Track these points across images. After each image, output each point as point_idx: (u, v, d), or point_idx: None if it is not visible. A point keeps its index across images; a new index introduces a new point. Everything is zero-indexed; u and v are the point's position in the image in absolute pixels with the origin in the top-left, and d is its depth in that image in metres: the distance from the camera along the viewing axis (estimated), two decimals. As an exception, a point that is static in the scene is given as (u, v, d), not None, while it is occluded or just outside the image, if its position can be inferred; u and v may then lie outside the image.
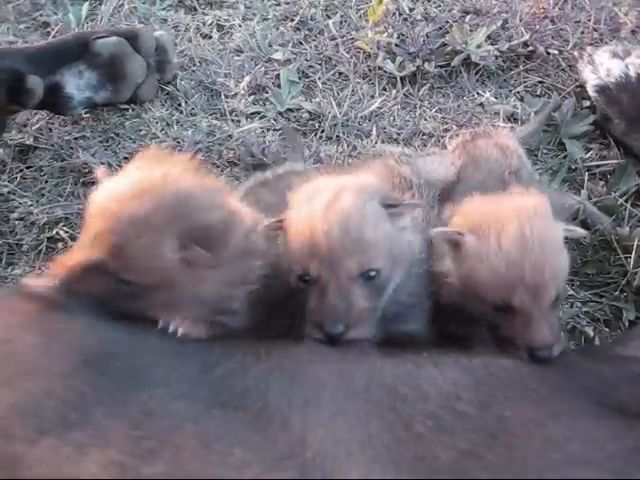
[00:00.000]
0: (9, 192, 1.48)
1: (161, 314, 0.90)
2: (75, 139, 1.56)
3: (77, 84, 1.54)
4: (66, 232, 1.40)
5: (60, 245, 1.39)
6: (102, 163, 1.48)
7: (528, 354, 0.92)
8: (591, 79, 1.55)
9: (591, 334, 1.28)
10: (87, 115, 1.59)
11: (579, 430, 0.80)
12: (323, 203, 0.92)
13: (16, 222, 1.43)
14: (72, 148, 1.54)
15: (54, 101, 1.51)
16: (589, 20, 1.74)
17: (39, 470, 0.71)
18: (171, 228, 0.85)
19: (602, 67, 1.54)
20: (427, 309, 1.04)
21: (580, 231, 1.02)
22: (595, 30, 1.73)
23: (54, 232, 1.41)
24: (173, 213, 0.86)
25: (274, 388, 0.83)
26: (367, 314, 0.92)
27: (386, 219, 0.94)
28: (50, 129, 1.57)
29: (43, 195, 1.48)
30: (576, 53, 1.64)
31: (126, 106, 1.61)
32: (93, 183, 1.45)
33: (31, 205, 1.46)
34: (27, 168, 1.52)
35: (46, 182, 1.50)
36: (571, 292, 1.33)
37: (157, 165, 0.91)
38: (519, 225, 0.93)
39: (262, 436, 0.77)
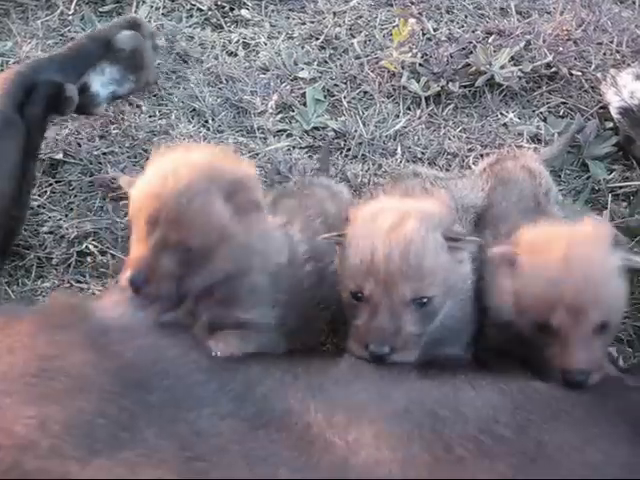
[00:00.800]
0: (39, 206, 1.50)
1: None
2: (104, 154, 1.58)
3: (101, 81, 1.57)
4: (95, 246, 1.42)
5: (89, 259, 1.41)
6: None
7: (562, 377, 0.93)
8: (614, 101, 1.57)
9: (615, 354, 1.29)
10: (116, 131, 1.62)
11: (616, 455, 0.81)
12: (387, 225, 0.94)
13: (46, 236, 1.45)
14: (101, 163, 1.56)
15: (82, 102, 1.53)
16: (611, 42, 1.76)
17: None
18: (213, 186, 0.92)
19: (625, 89, 1.56)
20: (470, 334, 1.06)
21: (638, 259, 1.01)
22: (617, 52, 1.74)
23: (83, 246, 1.42)
24: (209, 175, 0.93)
25: (315, 409, 0.84)
26: (414, 339, 0.94)
27: (445, 250, 0.96)
28: (79, 144, 1.60)
29: (72, 209, 1.50)
30: (599, 75, 1.66)
31: (155, 122, 1.64)
32: (121, 198, 1.49)
33: (60, 219, 1.48)
34: (56, 182, 1.54)
35: (75, 196, 1.52)
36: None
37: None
38: (566, 247, 0.95)
39: (306, 458, 0.78)
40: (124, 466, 0.74)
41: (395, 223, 0.94)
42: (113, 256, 1.42)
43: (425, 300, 0.94)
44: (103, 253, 1.42)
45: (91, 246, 1.42)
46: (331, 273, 1.04)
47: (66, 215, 1.49)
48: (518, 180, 1.26)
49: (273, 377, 0.88)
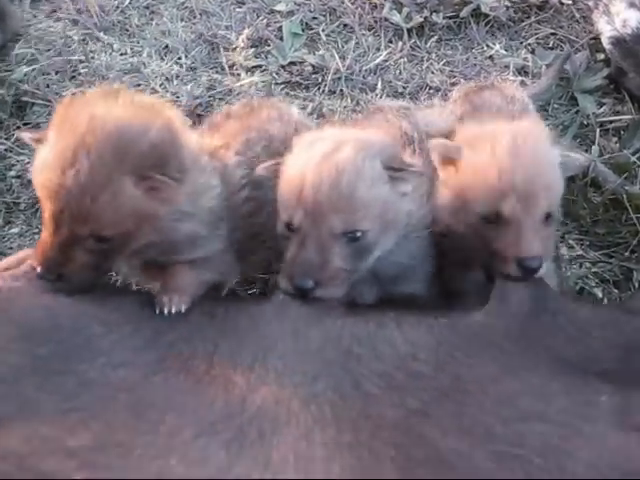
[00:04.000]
0: (6, 150, 1.45)
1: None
2: (73, 94, 1.52)
3: None
4: (63, 190, 1.37)
5: (57, 204, 1.37)
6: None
7: (517, 264, 0.91)
8: (606, 30, 1.49)
9: (600, 295, 1.25)
10: (85, 70, 1.55)
11: (533, 385, 0.81)
12: (321, 153, 0.88)
13: (13, 180, 1.41)
14: (70, 103, 1.50)
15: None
16: (605, -32, 1.67)
17: None
18: (121, 170, 0.82)
19: (618, 18, 1.47)
20: (427, 271, 1.01)
21: (577, 156, 1.02)
22: (611, -21, 1.66)
23: (51, 190, 1.38)
24: (114, 155, 0.82)
25: (222, 349, 0.82)
26: (342, 275, 0.89)
27: (385, 181, 0.90)
28: (47, 85, 1.54)
29: (40, 152, 1.44)
30: (591, 3, 1.58)
31: (126, 60, 1.57)
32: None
33: (28, 163, 1.43)
34: (24, 125, 1.49)
35: (43, 139, 1.46)
36: (580, 252, 1.29)
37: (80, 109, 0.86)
38: (513, 138, 0.94)
39: (200, 400, 0.77)
40: None
41: (328, 151, 0.88)
42: (82, 200, 1.37)
43: (358, 234, 0.88)
44: (71, 197, 1.37)
45: (59, 190, 1.37)
46: (271, 202, 0.96)
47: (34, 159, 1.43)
48: (492, 107, 1.21)
49: (188, 322, 0.86)
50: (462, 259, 1.01)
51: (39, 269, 0.85)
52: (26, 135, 0.90)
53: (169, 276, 0.91)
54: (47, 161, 0.83)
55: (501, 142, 0.94)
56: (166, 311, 0.87)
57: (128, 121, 0.83)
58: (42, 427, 0.72)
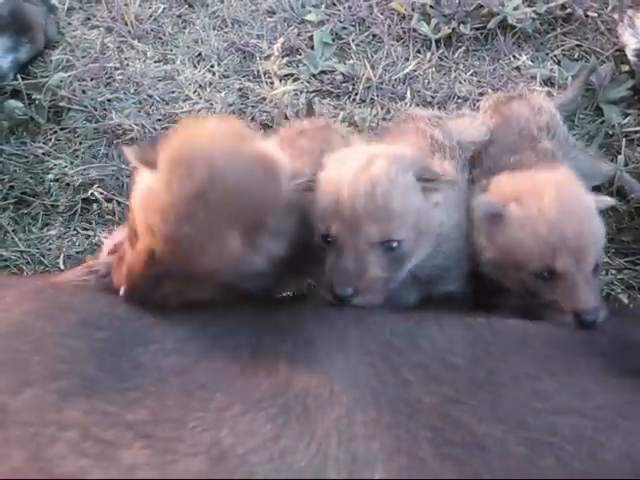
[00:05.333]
0: (44, 154, 1.49)
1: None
2: (109, 100, 1.56)
3: None
4: (100, 193, 1.41)
5: (95, 206, 1.41)
6: (136, 125, 1.49)
7: (575, 318, 0.93)
8: (631, 43, 1.52)
9: (625, 301, 1.28)
10: (120, 77, 1.59)
11: (573, 385, 0.83)
12: (355, 166, 0.91)
13: (51, 183, 1.45)
14: (105, 110, 1.54)
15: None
16: (630, -19, 1.70)
17: (23, 417, 0.75)
18: (232, 225, 0.86)
19: (643, 30, 1.51)
20: (463, 269, 1.04)
21: (608, 200, 1.03)
22: (636, -8, 1.69)
23: (89, 193, 1.41)
24: (229, 213, 0.85)
25: (265, 341, 0.87)
26: (379, 283, 0.92)
27: (418, 192, 0.93)
28: (84, 91, 1.58)
29: (77, 157, 1.48)
30: (616, 16, 1.61)
31: (160, 67, 1.61)
32: (127, 145, 1.47)
33: (66, 166, 1.47)
34: (61, 130, 1.53)
35: (80, 144, 1.50)
36: (606, 259, 1.32)
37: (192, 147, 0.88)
38: (557, 192, 0.95)
39: (247, 382, 0.81)
40: (56, 394, 0.77)
41: (363, 164, 0.91)
42: (119, 203, 1.41)
43: (394, 244, 0.91)
44: (109, 200, 1.41)
45: (96, 193, 1.41)
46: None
47: (71, 162, 1.47)
48: (520, 118, 1.23)
49: (232, 315, 0.91)
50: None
51: (123, 291, 0.90)
52: (131, 154, 0.91)
53: None
54: (160, 199, 0.85)
55: (547, 197, 0.95)
56: None
57: (246, 179, 0.86)
58: (101, 403, 0.77)
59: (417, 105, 1.51)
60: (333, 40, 1.64)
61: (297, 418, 0.78)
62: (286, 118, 1.46)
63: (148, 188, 0.88)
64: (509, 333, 0.90)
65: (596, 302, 0.94)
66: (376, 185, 0.89)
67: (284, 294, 1.12)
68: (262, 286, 0.99)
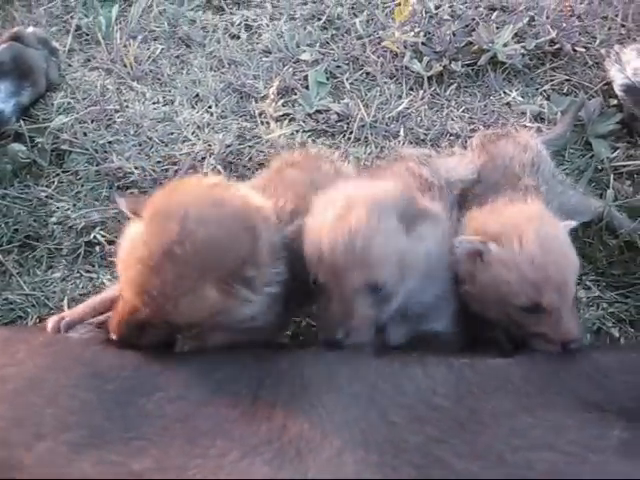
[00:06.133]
0: (47, 197, 1.52)
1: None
2: (109, 143, 1.60)
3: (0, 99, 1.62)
4: (103, 236, 1.44)
5: (98, 249, 1.44)
6: (135, 168, 1.52)
7: (562, 347, 0.98)
8: (618, 78, 1.56)
9: (616, 335, 1.30)
10: (120, 119, 1.63)
11: (548, 420, 0.89)
12: (334, 215, 0.94)
13: (54, 226, 1.48)
14: (107, 152, 1.58)
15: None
16: (616, 16, 1.74)
17: (36, 470, 0.80)
18: (204, 279, 0.90)
19: (629, 66, 1.54)
20: (452, 309, 1.07)
21: (572, 223, 1.07)
22: (623, 26, 1.73)
23: (92, 236, 1.45)
24: (200, 268, 0.89)
25: (265, 386, 0.92)
26: (368, 321, 0.96)
27: (400, 232, 0.95)
28: (85, 133, 1.61)
29: (80, 199, 1.52)
30: (603, 51, 1.65)
31: (158, 109, 1.65)
32: (128, 187, 1.51)
33: (68, 209, 1.50)
34: (63, 172, 1.56)
35: (82, 186, 1.54)
36: (597, 293, 1.35)
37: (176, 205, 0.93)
38: (534, 228, 0.99)
39: (245, 428, 0.87)
40: (67, 445, 0.82)
41: (341, 213, 0.93)
42: (121, 245, 1.44)
43: (379, 286, 0.94)
44: (111, 242, 1.44)
45: (99, 236, 1.45)
46: None
47: (74, 205, 1.51)
48: (506, 156, 1.26)
49: (234, 363, 0.96)
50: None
51: (114, 337, 0.96)
52: (122, 202, 0.98)
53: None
54: (137, 252, 0.90)
55: (525, 234, 0.98)
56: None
57: (217, 232, 0.90)
58: (109, 454, 0.83)
59: (410, 143, 1.55)
60: (328, 79, 1.68)
61: (291, 461, 0.84)
62: (282, 158, 1.50)
63: (131, 239, 0.93)
64: (490, 373, 0.95)
65: (579, 329, 1.00)
66: (355, 235, 0.92)
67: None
68: (262, 330, 1.03)
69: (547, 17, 1.70)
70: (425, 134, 1.57)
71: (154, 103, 1.68)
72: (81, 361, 0.94)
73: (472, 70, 1.68)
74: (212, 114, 1.64)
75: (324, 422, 0.87)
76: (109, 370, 0.92)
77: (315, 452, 0.84)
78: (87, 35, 1.83)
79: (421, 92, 1.64)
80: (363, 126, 1.58)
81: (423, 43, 1.69)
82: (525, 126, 1.54)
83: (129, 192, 1.50)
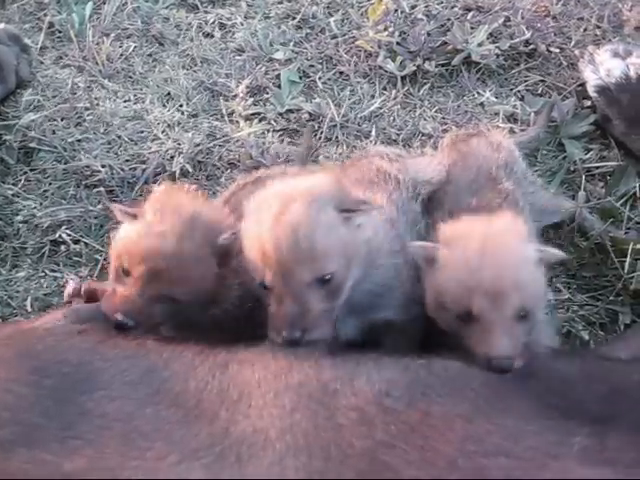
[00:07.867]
0: (13, 195, 1.50)
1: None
2: (78, 141, 1.58)
3: None
4: (68, 235, 1.43)
5: (63, 248, 1.42)
6: (103, 166, 1.50)
7: (484, 363, 0.93)
8: (591, 79, 1.54)
9: (586, 338, 1.29)
10: (90, 117, 1.61)
11: (506, 426, 0.86)
12: (272, 214, 0.92)
13: (20, 225, 1.46)
14: (75, 150, 1.56)
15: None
16: (592, 17, 1.72)
17: None
18: (206, 249, 1.01)
19: (602, 67, 1.53)
20: (402, 296, 1.06)
21: (555, 252, 1.02)
22: (598, 27, 1.71)
23: (57, 235, 1.43)
24: (206, 240, 1.01)
25: (212, 387, 0.90)
26: (324, 316, 0.94)
27: (339, 223, 0.94)
28: (54, 131, 1.59)
29: (47, 198, 1.50)
30: (577, 52, 1.64)
31: (129, 107, 1.63)
32: (95, 186, 1.49)
33: (35, 208, 1.48)
34: (31, 170, 1.54)
35: (49, 184, 1.52)
36: (567, 295, 1.34)
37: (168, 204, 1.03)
38: (484, 238, 0.97)
39: (186, 430, 0.85)
40: None
41: (279, 211, 0.92)
42: (86, 244, 1.42)
43: (327, 277, 0.93)
44: (76, 242, 1.43)
45: (64, 235, 1.43)
46: None
47: (41, 203, 1.49)
48: (478, 156, 1.25)
49: (182, 360, 0.94)
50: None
51: (119, 316, 0.97)
52: (119, 210, 1.05)
53: None
54: (150, 235, 1.00)
55: (472, 241, 0.96)
56: None
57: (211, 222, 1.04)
58: (41, 452, 0.80)
59: (382, 143, 1.53)
60: (300, 78, 1.66)
61: (230, 466, 0.81)
62: (251, 158, 1.48)
63: (133, 230, 1.02)
64: (447, 375, 0.92)
65: (510, 349, 0.93)
66: (297, 230, 0.91)
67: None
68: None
69: (522, 17, 1.69)
70: (397, 134, 1.56)
71: (125, 101, 1.66)
72: (28, 354, 0.92)
73: (446, 70, 1.66)
74: (183, 113, 1.62)
75: (268, 425, 0.85)
76: (52, 365, 0.90)
77: (256, 457, 0.82)
78: (60, 32, 1.80)
79: (394, 92, 1.62)
80: (334, 126, 1.57)
81: (397, 43, 1.67)
82: (498, 126, 1.53)
83: (96, 191, 1.48)
